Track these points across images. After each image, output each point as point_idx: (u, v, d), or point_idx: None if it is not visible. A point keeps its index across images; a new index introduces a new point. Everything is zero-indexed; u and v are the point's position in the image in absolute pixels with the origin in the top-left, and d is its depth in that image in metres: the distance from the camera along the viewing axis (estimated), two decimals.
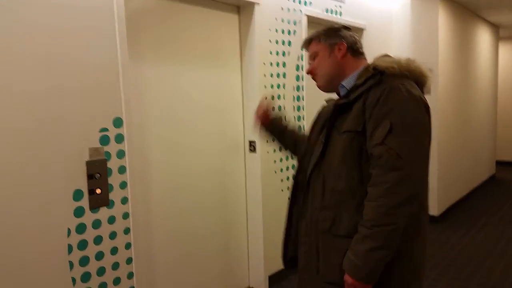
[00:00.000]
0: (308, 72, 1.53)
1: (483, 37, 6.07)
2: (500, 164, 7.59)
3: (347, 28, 1.51)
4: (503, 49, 7.88)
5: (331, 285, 1.35)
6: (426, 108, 1.31)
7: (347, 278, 1.25)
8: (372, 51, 4.36)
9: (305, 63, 3.24)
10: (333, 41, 1.46)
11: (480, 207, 5.18)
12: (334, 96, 1.54)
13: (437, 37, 4.46)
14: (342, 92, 1.45)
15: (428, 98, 4.36)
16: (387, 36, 4.62)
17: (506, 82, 7.97)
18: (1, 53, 1.64)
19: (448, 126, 4.85)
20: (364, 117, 1.28)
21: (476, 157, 5.96)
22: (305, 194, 1.46)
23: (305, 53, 3.23)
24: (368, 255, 1.20)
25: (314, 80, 1.52)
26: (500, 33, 7.12)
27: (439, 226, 4.47)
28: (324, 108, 1.60)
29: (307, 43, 1.53)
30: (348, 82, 1.43)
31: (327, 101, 1.61)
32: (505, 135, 7.99)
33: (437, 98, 4.49)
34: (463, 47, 5.28)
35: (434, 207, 4.58)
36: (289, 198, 1.59)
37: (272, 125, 1.77)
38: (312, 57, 1.50)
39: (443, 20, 4.55)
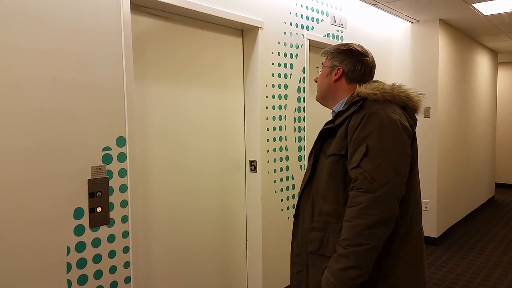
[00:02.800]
0: (315, 81, 1.63)
1: (482, 62, 6.16)
2: (499, 186, 7.60)
3: (360, 52, 1.52)
4: (502, 73, 7.98)
5: None
6: (406, 131, 1.34)
7: None
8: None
9: (306, 86, 3.29)
10: (334, 63, 1.53)
11: (479, 229, 5.17)
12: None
13: (437, 62, 4.54)
14: (332, 116, 1.51)
15: (427, 121, 4.43)
16: (388, 61, 4.70)
17: (505, 106, 8.04)
18: (8, 75, 1.68)
19: (448, 149, 4.88)
20: (346, 141, 1.34)
21: (476, 179, 5.98)
22: (296, 216, 1.51)
23: (306, 76, 3.29)
24: (341, 273, 1.24)
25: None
26: (499, 58, 7.23)
27: (438, 248, 4.45)
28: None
29: (323, 53, 1.60)
30: (337, 107, 1.51)
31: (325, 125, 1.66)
32: (504, 157, 8.02)
33: (436, 121, 4.54)
34: (463, 72, 5.35)
35: (433, 229, 4.58)
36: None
37: None
38: (318, 69, 1.61)
39: (443, 45, 4.64)
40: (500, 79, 7.76)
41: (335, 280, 1.24)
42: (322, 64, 1.58)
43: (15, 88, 1.70)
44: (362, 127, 1.31)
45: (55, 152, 1.82)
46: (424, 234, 4.88)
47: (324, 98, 1.58)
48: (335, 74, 1.51)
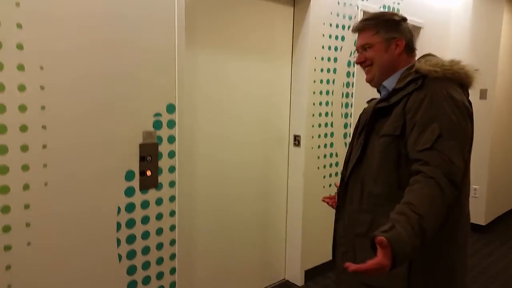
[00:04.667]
0: (360, 62, 1.46)
1: None
2: None
3: (405, 20, 1.45)
4: None
5: (367, 287, 1.34)
6: (469, 114, 1.28)
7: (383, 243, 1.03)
8: (429, 50, 4.19)
9: None
10: (391, 36, 1.40)
11: None
12: (377, 96, 1.52)
13: (499, 40, 4.22)
14: (383, 92, 1.43)
15: (483, 103, 4.19)
16: (445, 36, 4.43)
17: None
18: (62, 39, 1.72)
19: (503, 133, 4.61)
20: (403, 121, 1.26)
21: None
22: (343, 197, 1.45)
23: None
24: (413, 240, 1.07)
25: (367, 70, 1.45)
26: None
27: (485, 236, 4.27)
28: (365, 109, 1.55)
29: (360, 29, 1.45)
30: (389, 83, 1.40)
31: (369, 102, 1.57)
32: None
33: (493, 105, 4.27)
34: None
35: (481, 216, 4.39)
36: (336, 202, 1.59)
37: None
38: (364, 47, 1.43)
39: (507, 21, 4.30)
40: None
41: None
42: (368, 44, 1.42)
43: (69, 53, 1.74)
44: (428, 107, 1.22)
45: (109, 116, 1.87)
46: (471, 221, 4.69)
47: (383, 76, 1.42)
48: (397, 46, 1.40)
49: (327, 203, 1.64)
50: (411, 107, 1.26)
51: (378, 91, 1.50)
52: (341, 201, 1.48)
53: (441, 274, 1.29)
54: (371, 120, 1.36)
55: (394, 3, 3.47)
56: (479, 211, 4.40)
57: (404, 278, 1.26)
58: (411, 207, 1.08)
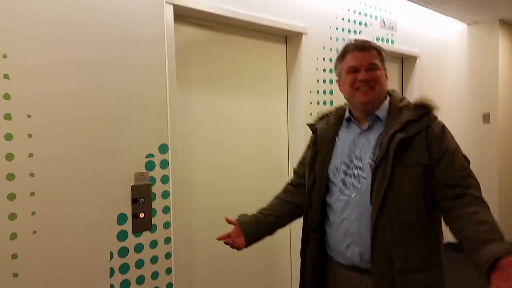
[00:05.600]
0: (369, 80, 1.41)
1: None
2: None
3: None
4: None
5: None
6: None
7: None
8: (426, 79, 4.24)
9: None
10: (385, 67, 1.47)
11: None
12: (320, 123, 1.58)
13: (497, 65, 4.22)
14: (370, 121, 1.44)
15: (487, 127, 4.16)
16: (443, 64, 4.45)
17: None
18: (55, 84, 1.76)
19: (510, 156, 4.52)
20: (427, 151, 1.32)
21: None
22: (373, 234, 1.34)
23: None
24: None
25: (367, 91, 1.41)
26: None
27: None
28: (322, 135, 1.53)
29: (369, 47, 1.44)
30: (381, 113, 1.43)
31: (314, 125, 1.59)
32: None
33: (497, 128, 4.22)
34: None
35: None
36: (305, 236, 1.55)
37: (251, 239, 1.57)
38: (369, 67, 1.41)
39: (503, 47, 4.31)
40: None
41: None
42: (375, 64, 1.42)
43: (62, 97, 1.77)
44: (448, 138, 1.36)
45: (100, 158, 1.88)
46: None
47: (379, 103, 1.44)
48: (386, 79, 1.46)
49: (227, 243, 1.54)
50: (435, 138, 1.33)
51: (349, 119, 1.50)
52: (352, 237, 1.38)
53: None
54: (397, 152, 1.32)
55: (387, 34, 3.51)
56: None
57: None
58: (492, 227, 1.18)
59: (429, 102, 1.39)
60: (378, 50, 1.45)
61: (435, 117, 1.39)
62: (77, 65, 1.80)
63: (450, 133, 1.39)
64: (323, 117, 1.63)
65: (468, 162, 1.36)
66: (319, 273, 1.52)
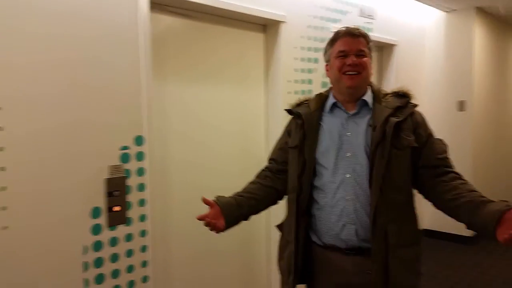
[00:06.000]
0: (357, 64, 1.45)
1: None
2: None
3: None
4: None
5: None
6: None
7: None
8: (404, 67, 4.27)
9: None
10: (371, 56, 1.53)
11: None
12: (303, 108, 1.59)
13: (472, 52, 4.30)
14: (358, 107, 1.49)
15: (462, 114, 4.27)
16: (420, 53, 4.50)
17: None
18: (26, 80, 1.69)
19: (484, 144, 4.64)
20: (414, 134, 1.44)
21: None
22: (374, 212, 1.38)
23: None
24: None
25: (354, 76, 1.45)
26: None
27: (472, 248, 4.24)
28: (307, 117, 1.55)
29: (359, 35, 1.49)
30: (368, 99, 1.50)
31: (291, 111, 1.62)
32: None
33: (472, 115, 4.33)
34: (501, 63, 5.06)
35: None
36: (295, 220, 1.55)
37: (231, 221, 1.55)
38: (358, 53, 1.46)
39: (479, 35, 4.38)
40: None
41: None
42: (363, 51, 1.48)
43: (33, 88, 1.71)
44: (428, 124, 1.51)
45: (73, 152, 1.83)
46: (458, 234, 4.66)
47: (365, 89, 1.51)
48: (371, 68, 1.53)
49: (208, 223, 1.47)
50: (420, 124, 1.47)
51: (335, 104, 1.53)
52: (348, 217, 1.42)
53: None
54: (394, 135, 1.41)
55: (366, 23, 3.51)
56: None
57: (419, 273, 1.48)
58: (481, 193, 1.37)
59: (409, 92, 1.51)
60: (367, 39, 1.51)
61: (417, 105, 1.50)
62: (47, 56, 1.74)
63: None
64: (300, 104, 1.65)
65: (446, 145, 1.50)
66: (305, 257, 1.54)
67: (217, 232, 1.51)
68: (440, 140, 1.50)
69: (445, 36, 4.46)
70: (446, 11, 4.39)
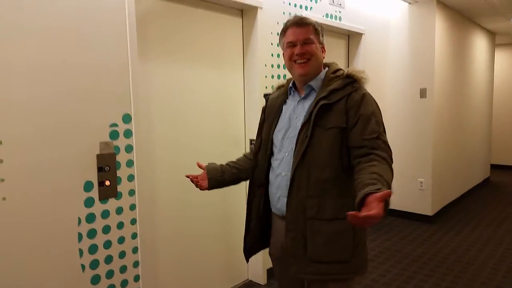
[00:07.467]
0: (303, 53, 1.56)
1: (480, 43, 6.20)
2: (494, 167, 7.72)
3: None
4: (499, 55, 8.02)
5: (317, 263, 1.53)
6: None
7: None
8: (370, 55, 4.50)
9: None
10: (321, 42, 1.62)
11: (474, 209, 5.31)
12: (278, 93, 1.74)
13: (433, 43, 4.59)
14: (307, 91, 1.61)
15: (423, 101, 4.59)
16: (385, 41, 4.75)
17: (502, 88, 8.11)
18: (22, 61, 1.75)
19: (444, 130, 4.98)
20: (346, 116, 1.49)
21: (471, 160, 6.09)
22: (290, 187, 1.54)
23: None
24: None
25: (303, 63, 1.57)
26: (496, 40, 7.26)
27: (432, 226, 4.59)
28: (271, 102, 1.74)
29: (305, 24, 1.57)
30: (316, 83, 1.60)
31: (267, 96, 1.80)
32: (500, 139, 8.13)
33: (433, 102, 4.61)
34: (460, 53, 5.40)
35: (428, 207, 4.71)
36: (248, 194, 1.76)
37: (214, 184, 1.82)
38: (304, 41, 1.56)
39: (440, 26, 4.68)
40: (497, 61, 7.81)
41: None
42: (310, 39, 1.57)
43: (23, 70, 1.77)
44: (365, 105, 1.50)
45: (66, 130, 1.91)
46: (419, 213, 4.96)
47: (314, 75, 1.61)
48: (323, 51, 1.63)
49: (192, 181, 1.80)
50: (353, 105, 1.50)
51: (291, 88, 1.68)
52: (288, 191, 1.56)
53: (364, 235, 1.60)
54: (317, 115, 1.50)
55: (336, 11, 3.70)
56: (426, 202, 4.72)
57: (350, 249, 1.53)
58: (380, 177, 1.30)
59: (356, 73, 1.55)
60: (314, 27, 1.59)
61: (359, 87, 1.54)
62: (37, 37, 1.80)
63: (372, 101, 1.53)
64: (279, 88, 1.81)
65: (382, 127, 1.49)
66: (264, 223, 1.76)
67: (200, 189, 1.83)
68: (377, 121, 1.49)
69: (408, 27, 4.73)
70: (409, 3, 4.66)
